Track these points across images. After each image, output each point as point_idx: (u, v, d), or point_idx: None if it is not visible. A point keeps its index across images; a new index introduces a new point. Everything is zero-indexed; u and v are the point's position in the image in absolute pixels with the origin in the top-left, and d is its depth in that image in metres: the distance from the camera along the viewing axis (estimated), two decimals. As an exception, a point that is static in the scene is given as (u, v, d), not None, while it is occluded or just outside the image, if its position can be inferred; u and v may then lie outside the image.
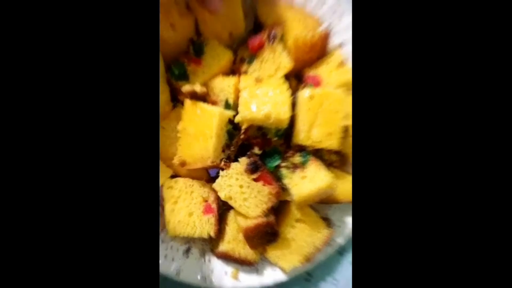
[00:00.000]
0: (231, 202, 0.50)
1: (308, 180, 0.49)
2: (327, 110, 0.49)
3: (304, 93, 0.50)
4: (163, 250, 0.56)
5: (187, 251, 0.57)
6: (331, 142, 0.50)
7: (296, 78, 0.57)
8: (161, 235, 0.57)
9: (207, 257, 0.57)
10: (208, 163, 0.47)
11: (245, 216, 0.49)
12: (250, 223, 0.48)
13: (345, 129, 0.52)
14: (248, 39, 0.53)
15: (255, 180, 0.49)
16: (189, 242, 0.57)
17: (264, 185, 0.49)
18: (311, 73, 0.57)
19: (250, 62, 0.52)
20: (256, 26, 0.58)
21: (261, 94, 0.47)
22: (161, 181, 0.51)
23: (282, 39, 0.52)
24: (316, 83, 0.56)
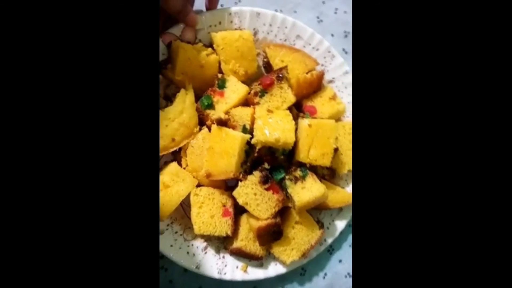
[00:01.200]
0: (246, 207, 0.62)
1: (307, 190, 0.62)
2: (321, 136, 0.63)
3: (304, 122, 0.63)
4: (186, 247, 0.67)
5: (205, 248, 0.68)
6: (325, 160, 0.64)
7: (296, 108, 0.71)
8: (184, 235, 0.68)
9: (221, 254, 0.69)
10: (231, 175, 0.59)
11: (257, 218, 0.62)
12: (262, 223, 0.61)
13: (335, 150, 0.66)
14: (261, 78, 0.66)
15: (266, 189, 0.61)
16: (207, 241, 0.69)
17: (273, 193, 0.62)
18: (308, 103, 0.71)
19: (262, 96, 0.65)
20: (265, 65, 0.72)
21: (272, 122, 0.61)
22: (189, 189, 0.63)
23: (287, 78, 0.66)
24: (312, 112, 0.70)
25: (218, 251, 0.69)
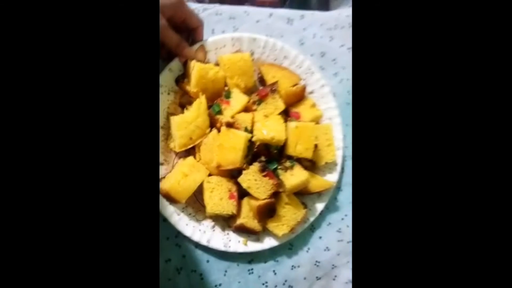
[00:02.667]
0: (249, 190, 0.78)
1: (294, 176, 0.80)
2: (305, 135, 0.81)
3: (292, 125, 0.82)
4: (198, 226, 0.83)
5: (213, 227, 0.84)
6: (308, 153, 0.81)
7: (284, 113, 0.89)
8: (196, 216, 0.84)
9: (226, 231, 0.85)
10: (237, 166, 0.76)
11: (257, 199, 0.79)
12: (261, 203, 0.77)
13: (315, 146, 0.85)
14: (258, 90, 0.84)
15: (264, 176, 0.78)
16: (214, 221, 0.85)
17: (269, 179, 0.79)
18: (293, 110, 0.89)
19: (259, 104, 0.83)
20: (260, 80, 0.90)
21: (268, 125, 0.78)
22: (202, 178, 0.79)
23: (277, 90, 0.84)
24: (296, 117, 0.88)
25: (223, 229, 0.85)
